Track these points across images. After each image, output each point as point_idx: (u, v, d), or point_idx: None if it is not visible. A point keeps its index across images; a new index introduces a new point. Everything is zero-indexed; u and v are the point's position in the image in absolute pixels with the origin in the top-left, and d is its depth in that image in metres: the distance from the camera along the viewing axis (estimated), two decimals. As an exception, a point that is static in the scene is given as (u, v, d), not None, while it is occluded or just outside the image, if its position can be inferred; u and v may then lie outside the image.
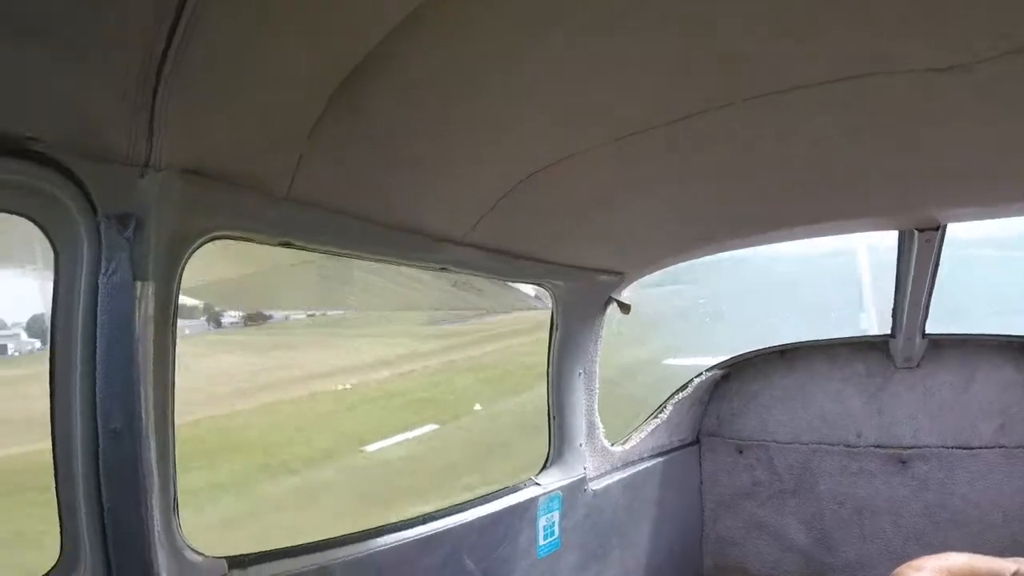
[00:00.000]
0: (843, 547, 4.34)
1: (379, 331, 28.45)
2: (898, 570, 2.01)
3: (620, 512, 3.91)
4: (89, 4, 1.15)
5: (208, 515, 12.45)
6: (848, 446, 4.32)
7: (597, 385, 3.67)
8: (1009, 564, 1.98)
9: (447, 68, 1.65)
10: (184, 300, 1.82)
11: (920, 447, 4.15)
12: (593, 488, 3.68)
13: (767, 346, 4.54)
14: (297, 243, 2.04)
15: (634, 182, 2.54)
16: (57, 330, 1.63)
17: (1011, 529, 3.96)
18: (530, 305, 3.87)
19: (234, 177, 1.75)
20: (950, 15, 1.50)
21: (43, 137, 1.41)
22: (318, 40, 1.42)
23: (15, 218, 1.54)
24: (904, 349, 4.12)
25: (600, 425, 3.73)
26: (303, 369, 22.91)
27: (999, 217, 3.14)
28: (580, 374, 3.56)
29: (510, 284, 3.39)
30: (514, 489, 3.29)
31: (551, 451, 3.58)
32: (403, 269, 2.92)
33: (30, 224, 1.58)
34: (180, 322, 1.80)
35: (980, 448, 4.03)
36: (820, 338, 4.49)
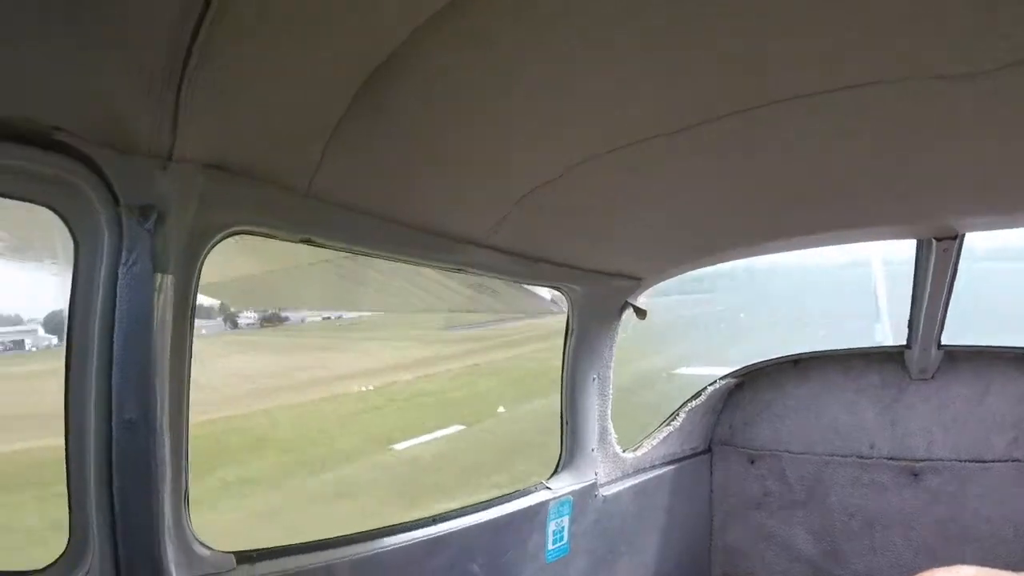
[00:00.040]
0: (853, 559, 4.31)
1: (396, 335, 28.52)
2: None
3: (630, 519, 3.90)
4: None
5: (244, 508, 12.54)
6: (861, 457, 4.28)
7: (611, 390, 3.67)
8: None
9: (470, 70, 1.66)
10: (200, 300, 1.84)
11: (933, 460, 4.11)
12: (604, 494, 3.67)
13: (781, 355, 4.51)
14: (317, 240, 2.05)
15: (654, 186, 2.53)
16: (74, 320, 1.65)
17: (1022, 544, 3.92)
18: (546, 309, 3.86)
19: (256, 172, 1.76)
20: (969, 22, 1.50)
21: (67, 127, 1.43)
22: (342, 39, 1.43)
23: (30, 215, 1.57)
24: (919, 360, 4.08)
25: (612, 431, 3.72)
26: (326, 370, 22.98)
27: (1018, 226, 3.11)
28: (594, 379, 3.56)
29: (527, 287, 3.39)
30: (524, 492, 3.29)
31: (563, 455, 3.58)
32: (422, 271, 2.93)
33: (46, 219, 1.60)
34: (196, 322, 1.82)
35: (993, 461, 3.99)
36: (835, 348, 4.46)
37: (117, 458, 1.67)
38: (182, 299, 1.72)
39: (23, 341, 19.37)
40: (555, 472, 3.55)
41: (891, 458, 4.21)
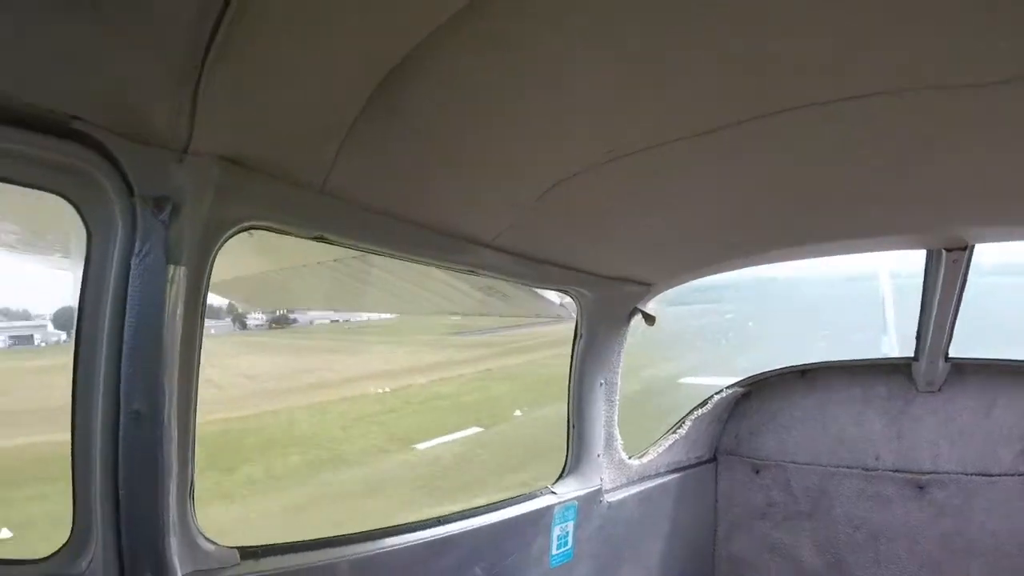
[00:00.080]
0: (857, 572, 4.29)
1: (406, 339, 28.55)
2: None
3: (634, 526, 3.90)
4: None
5: (273, 504, 12.72)
6: (866, 469, 4.27)
7: (617, 396, 3.67)
8: None
9: (488, 71, 1.67)
10: (209, 298, 1.85)
11: (939, 473, 4.10)
12: (609, 500, 3.67)
13: (789, 365, 4.50)
14: (330, 238, 2.07)
15: (667, 191, 2.54)
16: (85, 309, 1.66)
17: None
18: (555, 313, 3.86)
19: (271, 168, 1.78)
20: (984, 32, 1.50)
21: (85, 117, 1.45)
22: (357, 42, 1.45)
23: (40, 209, 1.58)
24: (927, 372, 4.07)
25: (619, 437, 3.73)
26: (338, 373, 23.08)
27: None
28: (601, 384, 3.56)
29: (536, 291, 3.40)
30: (530, 496, 3.28)
31: (568, 460, 3.58)
32: (432, 273, 2.94)
33: (56, 213, 1.61)
34: (206, 322, 1.82)
35: (999, 475, 3.97)
36: (842, 359, 4.45)
37: (123, 449, 1.68)
38: (194, 292, 1.73)
39: (32, 336, 19.45)
40: (560, 477, 3.55)
41: (897, 470, 4.19)
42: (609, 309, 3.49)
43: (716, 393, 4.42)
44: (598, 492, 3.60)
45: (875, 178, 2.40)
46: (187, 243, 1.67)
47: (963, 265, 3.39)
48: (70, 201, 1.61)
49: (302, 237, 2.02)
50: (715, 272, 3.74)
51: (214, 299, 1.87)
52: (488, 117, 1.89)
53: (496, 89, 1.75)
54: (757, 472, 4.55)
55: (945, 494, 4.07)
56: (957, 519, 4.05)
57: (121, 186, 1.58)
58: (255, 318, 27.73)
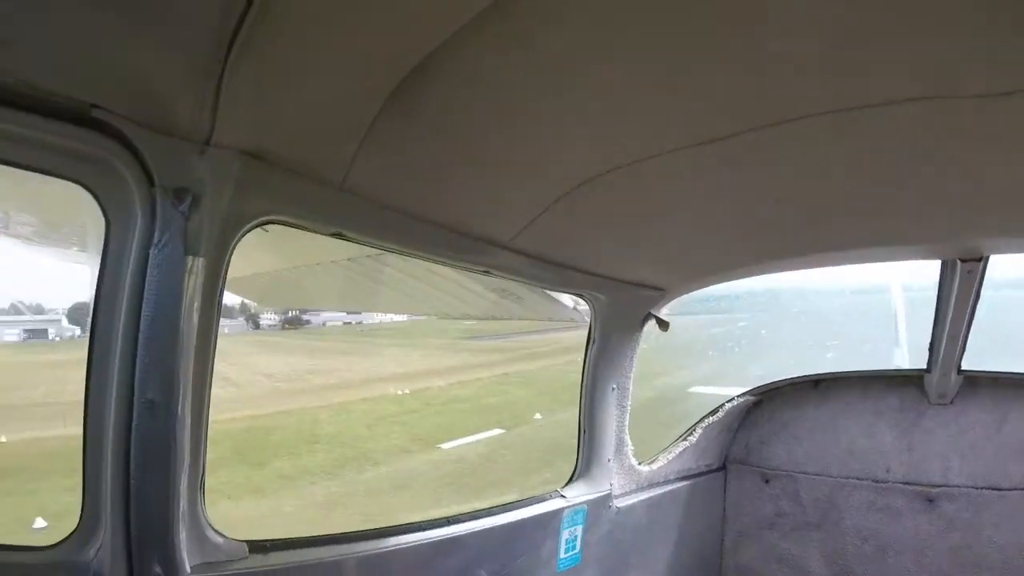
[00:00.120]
0: None
1: (419, 342, 28.62)
2: None
3: (643, 532, 3.88)
4: None
5: (304, 497, 12.86)
6: (876, 481, 4.24)
7: (629, 402, 3.66)
8: None
9: (512, 71, 1.68)
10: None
11: (949, 486, 4.06)
12: (618, 505, 3.66)
13: (801, 375, 4.48)
14: (348, 234, 2.08)
15: (680, 198, 2.54)
16: (102, 298, 1.67)
17: None
18: (569, 317, 3.87)
19: (291, 163, 1.79)
20: (1003, 42, 1.51)
21: (108, 107, 1.46)
22: (381, 40, 1.46)
23: (56, 201, 1.59)
24: (939, 385, 4.05)
25: (629, 443, 3.71)
26: (356, 373, 23.24)
27: None
28: (613, 389, 3.56)
29: (551, 294, 3.40)
30: (539, 499, 3.27)
31: (579, 464, 3.57)
32: (447, 273, 2.95)
33: (73, 206, 1.62)
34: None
35: (1009, 490, 3.94)
36: (855, 370, 4.42)
37: (136, 438, 1.68)
38: (211, 283, 1.74)
39: (46, 330, 19.59)
40: (570, 480, 3.54)
41: (907, 483, 4.16)
42: (623, 313, 3.49)
43: (727, 401, 4.40)
44: (608, 497, 3.59)
45: (891, 187, 2.40)
46: (206, 235, 1.68)
47: (978, 276, 3.37)
48: (89, 190, 1.62)
49: (320, 233, 2.03)
50: (730, 279, 3.73)
51: (227, 297, 1.88)
52: (512, 117, 1.89)
53: (520, 89, 1.75)
54: (767, 482, 4.52)
55: (955, 507, 4.04)
56: (966, 533, 4.01)
57: (141, 176, 1.60)
58: (268, 318, 27.84)
